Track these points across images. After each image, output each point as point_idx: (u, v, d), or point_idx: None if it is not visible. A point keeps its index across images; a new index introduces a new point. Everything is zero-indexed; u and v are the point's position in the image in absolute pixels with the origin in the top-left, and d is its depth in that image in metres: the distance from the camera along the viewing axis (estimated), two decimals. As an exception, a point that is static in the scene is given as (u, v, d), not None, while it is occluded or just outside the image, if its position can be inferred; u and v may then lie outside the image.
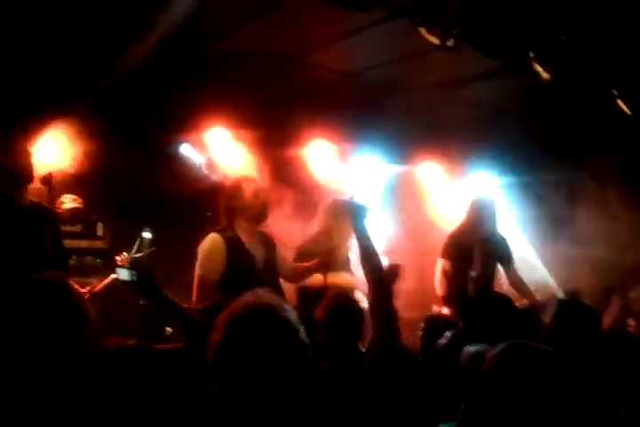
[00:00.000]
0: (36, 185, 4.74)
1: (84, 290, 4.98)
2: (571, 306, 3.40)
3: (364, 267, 3.65)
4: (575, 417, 2.05)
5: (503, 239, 6.00)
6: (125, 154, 5.91)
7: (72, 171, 5.59)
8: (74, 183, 5.63)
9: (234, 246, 4.28)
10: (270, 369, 1.96)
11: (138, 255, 5.40)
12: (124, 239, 5.98)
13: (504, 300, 4.04)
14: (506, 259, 5.94)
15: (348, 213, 5.37)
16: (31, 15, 4.76)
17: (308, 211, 6.32)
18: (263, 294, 2.14)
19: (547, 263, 7.07)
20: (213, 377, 2.03)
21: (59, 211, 5.24)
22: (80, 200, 5.68)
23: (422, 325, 4.28)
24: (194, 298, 4.15)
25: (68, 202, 5.56)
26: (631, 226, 6.64)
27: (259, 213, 4.42)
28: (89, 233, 5.88)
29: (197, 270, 4.21)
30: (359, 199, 4.44)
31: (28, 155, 4.02)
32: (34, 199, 4.15)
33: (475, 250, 4.99)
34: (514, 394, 2.02)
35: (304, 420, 2.03)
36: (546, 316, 3.35)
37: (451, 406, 2.72)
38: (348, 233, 5.30)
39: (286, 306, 2.13)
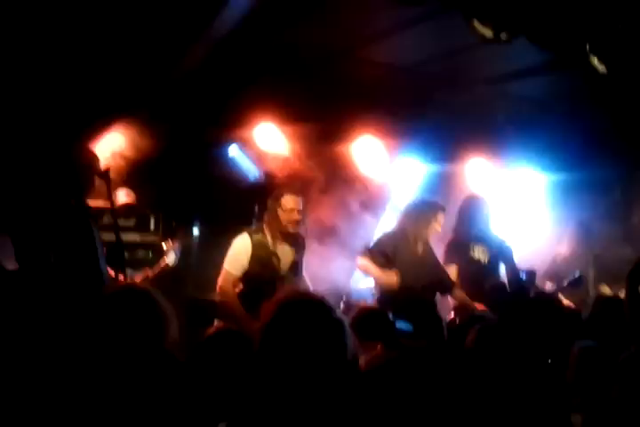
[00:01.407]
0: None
1: (139, 275, 5.17)
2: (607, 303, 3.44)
3: None
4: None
5: (499, 240, 6.00)
6: (177, 150, 6.00)
7: (126, 166, 5.65)
8: (127, 178, 5.70)
9: (260, 249, 4.87)
10: (310, 356, 2.03)
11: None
12: (175, 233, 6.06)
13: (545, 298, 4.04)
14: (508, 258, 5.92)
15: (427, 215, 5.53)
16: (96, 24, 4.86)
17: (351, 205, 6.41)
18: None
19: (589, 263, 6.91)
20: (259, 359, 2.09)
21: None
22: (133, 195, 5.76)
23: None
24: (218, 285, 4.81)
25: (122, 196, 5.64)
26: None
27: (289, 226, 4.92)
28: (141, 227, 5.97)
29: (224, 264, 4.86)
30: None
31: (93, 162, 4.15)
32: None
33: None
34: None
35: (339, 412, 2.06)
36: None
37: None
38: (426, 235, 5.41)
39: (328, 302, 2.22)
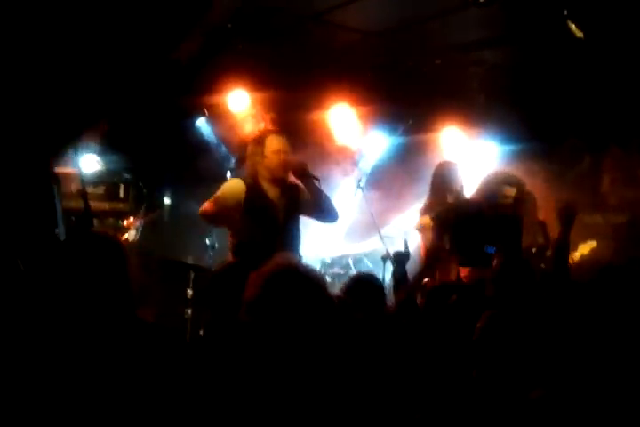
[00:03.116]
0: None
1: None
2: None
3: None
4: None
5: None
6: (148, 117, 5.92)
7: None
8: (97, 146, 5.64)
9: (253, 192, 4.41)
10: (300, 323, 2.13)
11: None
12: (144, 201, 6.02)
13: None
14: None
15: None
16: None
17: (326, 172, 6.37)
18: (291, 257, 2.52)
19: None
20: (248, 332, 2.15)
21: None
22: (102, 163, 5.71)
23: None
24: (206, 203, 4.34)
25: (91, 163, 5.59)
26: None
27: (275, 170, 4.47)
28: (111, 195, 5.92)
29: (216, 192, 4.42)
30: None
31: None
32: None
33: None
34: None
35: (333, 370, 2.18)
36: None
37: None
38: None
39: (311, 266, 2.37)
